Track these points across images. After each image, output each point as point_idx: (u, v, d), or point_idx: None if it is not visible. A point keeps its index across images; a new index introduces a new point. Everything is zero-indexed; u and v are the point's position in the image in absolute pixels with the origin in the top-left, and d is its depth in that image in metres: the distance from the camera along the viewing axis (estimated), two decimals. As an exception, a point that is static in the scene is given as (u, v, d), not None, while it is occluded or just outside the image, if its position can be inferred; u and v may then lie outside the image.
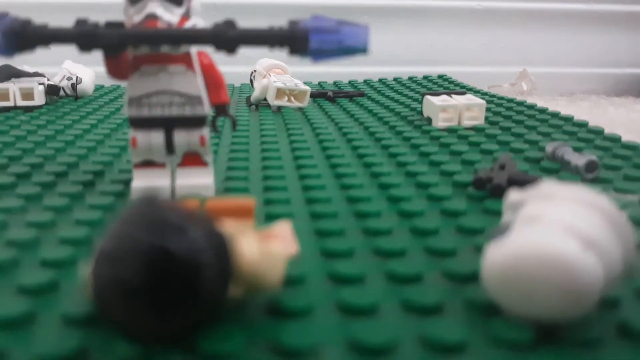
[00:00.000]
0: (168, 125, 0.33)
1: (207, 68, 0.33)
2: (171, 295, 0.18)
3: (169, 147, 0.33)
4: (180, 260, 0.17)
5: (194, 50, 0.32)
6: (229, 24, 0.29)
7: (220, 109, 0.35)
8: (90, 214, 0.32)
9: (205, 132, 0.34)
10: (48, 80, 0.68)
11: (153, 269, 0.17)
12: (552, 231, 0.20)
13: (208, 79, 0.33)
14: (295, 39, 0.28)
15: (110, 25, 0.29)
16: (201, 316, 0.19)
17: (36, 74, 0.67)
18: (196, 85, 0.32)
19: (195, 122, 0.33)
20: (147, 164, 0.34)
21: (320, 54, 0.28)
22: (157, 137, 0.33)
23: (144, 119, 0.32)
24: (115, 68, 0.32)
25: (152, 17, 0.31)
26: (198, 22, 0.32)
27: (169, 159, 0.34)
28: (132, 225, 0.18)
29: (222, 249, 0.19)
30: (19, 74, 0.65)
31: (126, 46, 0.30)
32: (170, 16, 0.31)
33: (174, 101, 0.32)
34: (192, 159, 0.34)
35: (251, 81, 0.69)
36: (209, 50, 0.32)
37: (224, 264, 0.19)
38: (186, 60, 0.32)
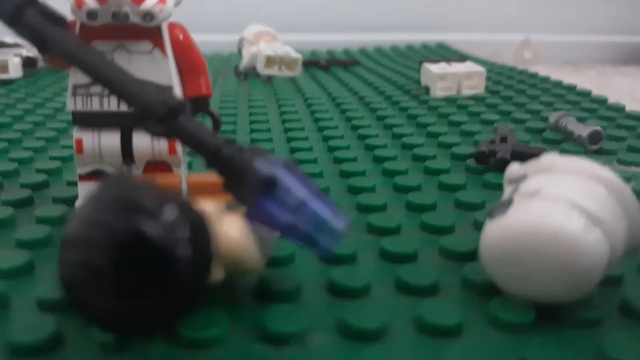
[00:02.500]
0: (125, 124, 0.25)
1: (183, 47, 0.25)
2: (145, 283, 0.16)
3: (127, 154, 0.25)
4: (154, 245, 0.16)
5: (164, 22, 0.24)
6: (176, 108, 0.19)
7: (199, 104, 0.25)
8: (68, 191, 0.30)
9: None
10: (27, 51, 0.65)
11: (125, 256, 0.16)
12: (555, 207, 0.19)
13: (183, 62, 0.25)
14: (241, 183, 0.19)
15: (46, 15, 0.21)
16: (179, 306, 0.17)
17: (16, 45, 0.65)
18: (166, 70, 0.24)
19: None
20: (97, 175, 0.26)
21: (259, 219, 0.19)
22: (110, 140, 0.25)
23: (93, 114, 0.24)
24: (51, 60, 0.24)
25: None
26: None
27: (127, 169, 0.26)
28: (101, 207, 0.16)
29: (200, 231, 0.17)
30: (-2, 45, 0.63)
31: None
32: None
33: None
34: (158, 170, 0.26)
35: (239, 49, 0.66)
36: (184, 22, 0.25)
37: (202, 248, 0.17)
38: (154, 35, 0.24)
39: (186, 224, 0.17)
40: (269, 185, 0.18)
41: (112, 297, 0.16)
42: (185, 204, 0.17)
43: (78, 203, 0.26)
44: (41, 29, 0.20)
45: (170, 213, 0.16)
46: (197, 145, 0.19)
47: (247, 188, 0.19)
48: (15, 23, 0.20)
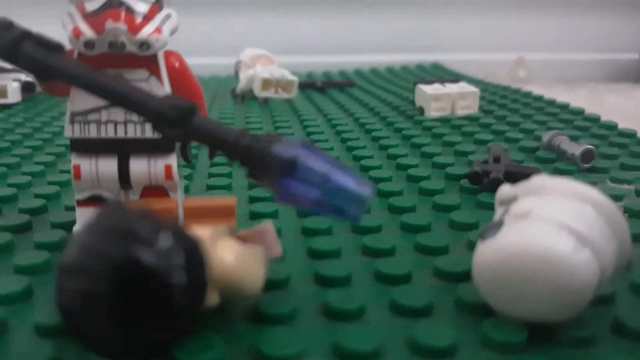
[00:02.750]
0: (122, 150, 0.25)
1: (179, 75, 0.25)
2: (141, 310, 0.16)
3: (124, 179, 0.25)
4: (149, 273, 0.16)
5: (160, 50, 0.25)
6: (188, 110, 0.20)
7: None
8: (67, 216, 0.31)
9: (173, 160, 0.25)
10: (26, 75, 0.66)
11: (121, 283, 0.16)
12: (545, 228, 0.19)
13: (179, 89, 0.25)
14: (263, 169, 0.20)
15: (40, 43, 0.21)
16: (174, 331, 0.17)
17: (14, 70, 0.65)
18: None
19: (160, 147, 0.25)
20: (95, 200, 0.26)
21: (288, 200, 0.20)
22: (107, 166, 0.25)
23: (91, 141, 0.25)
24: (50, 88, 0.25)
25: (117, 4, 0.23)
26: (172, 13, 0.25)
27: (124, 194, 0.26)
28: (98, 235, 0.17)
29: (195, 257, 0.18)
30: (-3, 70, 0.64)
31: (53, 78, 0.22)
32: (140, 4, 0.24)
33: (131, 118, 0.24)
34: (155, 194, 0.26)
35: (236, 72, 0.67)
36: (180, 50, 0.26)
37: (197, 274, 0.17)
38: (150, 63, 0.24)
39: (181, 251, 0.17)
40: (291, 167, 0.19)
41: (108, 323, 0.16)
42: (180, 231, 0.18)
43: (76, 228, 0.27)
44: (42, 58, 0.21)
45: (165, 241, 0.17)
46: (215, 142, 0.20)
47: (270, 173, 0.19)
48: (14, 57, 0.21)
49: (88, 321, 0.16)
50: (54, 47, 0.21)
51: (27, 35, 0.21)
